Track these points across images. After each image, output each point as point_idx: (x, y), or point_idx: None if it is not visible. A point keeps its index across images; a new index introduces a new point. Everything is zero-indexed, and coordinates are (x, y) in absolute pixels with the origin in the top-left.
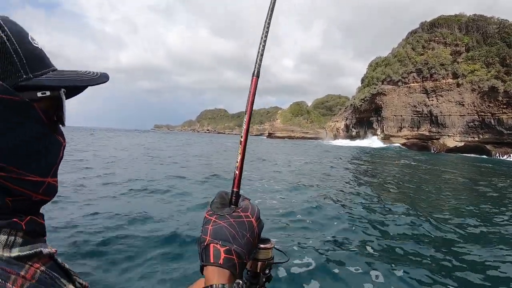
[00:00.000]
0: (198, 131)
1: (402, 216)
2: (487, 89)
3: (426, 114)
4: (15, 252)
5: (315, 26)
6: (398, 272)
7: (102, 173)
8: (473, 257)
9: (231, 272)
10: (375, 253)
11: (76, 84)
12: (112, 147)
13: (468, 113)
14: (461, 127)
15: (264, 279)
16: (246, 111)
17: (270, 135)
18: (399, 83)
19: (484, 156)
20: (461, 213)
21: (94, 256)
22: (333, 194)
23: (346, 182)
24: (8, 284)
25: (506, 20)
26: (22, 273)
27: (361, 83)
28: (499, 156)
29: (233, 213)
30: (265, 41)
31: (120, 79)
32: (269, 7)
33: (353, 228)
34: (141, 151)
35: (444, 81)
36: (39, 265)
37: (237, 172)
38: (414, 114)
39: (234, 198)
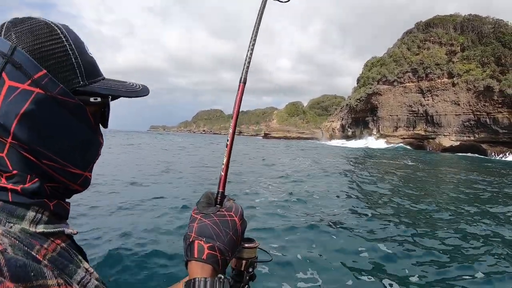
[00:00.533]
0: (194, 132)
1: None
2: (482, 89)
3: (422, 114)
4: (40, 228)
5: (312, 25)
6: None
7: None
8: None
9: (214, 267)
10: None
11: (125, 95)
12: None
13: (463, 113)
14: (457, 126)
15: (247, 277)
16: (232, 116)
17: (266, 136)
18: (395, 83)
19: (477, 155)
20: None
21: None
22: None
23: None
24: (33, 252)
25: (501, 20)
26: (45, 245)
27: (357, 83)
28: (495, 156)
29: (218, 212)
30: (252, 49)
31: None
32: (257, 16)
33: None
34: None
35: (439, 80)
36: (60, 242)
37: (222, 173)
38: (410, 113)
39: (219, 198)
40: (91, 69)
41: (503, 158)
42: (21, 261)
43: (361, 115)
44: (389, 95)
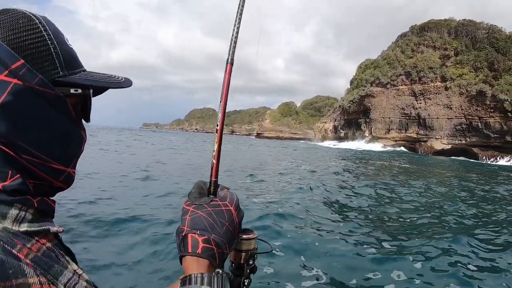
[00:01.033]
0: (186, 130)
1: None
2: (475, 93)
3: (414, 117)
4: (23, 227)
5: (308, 26)
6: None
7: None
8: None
9: (210, 261)
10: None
11: (106, 85)
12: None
13: (455, 116)
14: (449, 130)
15: (248, 270)
16: (220, 100)
17: (258, 135)
18: (388, 86)
19: (467, 159)
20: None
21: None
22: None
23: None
24: (14, 250)
25: (495, 25)
26: (28, 245)
27: (350, 85)
28: (486, 160)
29: (211, 202)
30: (238, 27)
31: None
32: None
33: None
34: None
35: (432, 84)
36: (45, 241)
37: (214, 161)
38: (402, 116)
39: (212, 188)
40: (70, 60)
41: (494, 162)
42: None
43: (354, 117)
44: (382, 97)
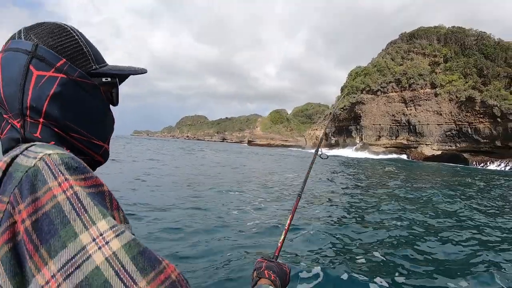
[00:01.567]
0: (177, 138)
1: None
2: (464, 99)
3: (405, 123)
4: None
5: (299, 33)
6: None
7: None
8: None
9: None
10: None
11: (130, 73)
12: None
13: (445, 122)
14: (439, 136)
15: None
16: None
17: (250, 143)
18: (378, 93)
19: (456, 164)
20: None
21: None
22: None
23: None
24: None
25: (484, 32)
26: None
27: (341, 92)
28: (476, 165)
29: (277, 261)
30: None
31: None
32: None
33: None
34: None
35: (422, 91)
36: None
37: (282, 237)
38: (393, 123)
39: (275, 256)
40: (98, 56)
41: (484, 167)
42: (72, 160)
43: (345, 124)
44: (372, 105)
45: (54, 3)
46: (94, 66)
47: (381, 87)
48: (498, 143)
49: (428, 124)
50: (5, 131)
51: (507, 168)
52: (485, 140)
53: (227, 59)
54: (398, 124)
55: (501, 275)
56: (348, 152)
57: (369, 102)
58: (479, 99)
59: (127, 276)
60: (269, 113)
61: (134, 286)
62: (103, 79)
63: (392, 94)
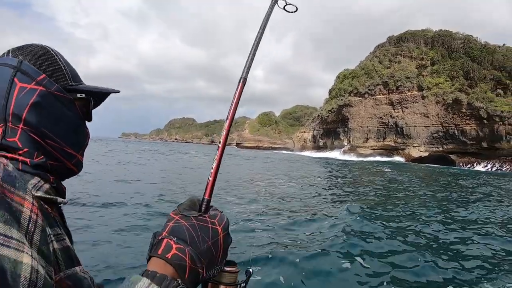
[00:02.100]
0: (166, 140)
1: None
2: (451, 101)
3: (392, 125)
4: (38, 193)
5: (287, 37)
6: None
7: None
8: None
9: (177, 271)
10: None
11: (102, 91)
12: None
13: (432, 124)
14: (426, 137)
15: None
16: (227, 118)
17: (238, 145)
18: (366, 95)
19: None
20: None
21: None
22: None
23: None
24: (26, 184)
25: (471, 35)
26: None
27: (329, 95)
28: (463, 166)
29: (199, 217)
30: (257, 46)
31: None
32: (263, 20)
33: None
34: None
35: (409, 93)
36: (51, 210)
37: (210, 178)
38: (380, 125)
39: (204, 205)
40: (75, 75)
41: (471, 168)
42: (14, 174)
43: (333, 126)
44: (360, 107)
45: (42, 4)
46: (70, 83)
47: (369, 89)
48: (484, 145)
49: (415, 126)
50: None
51: (494, 169)
52: (471, 142)
53: (215, 62)
54: (385, 126)
55: None
56: (335, 154)
57: (357, 105)
58: (466, 101)
59: None
60: (257, 115)
61: None
62: (78, 95)
63: (379, 96)
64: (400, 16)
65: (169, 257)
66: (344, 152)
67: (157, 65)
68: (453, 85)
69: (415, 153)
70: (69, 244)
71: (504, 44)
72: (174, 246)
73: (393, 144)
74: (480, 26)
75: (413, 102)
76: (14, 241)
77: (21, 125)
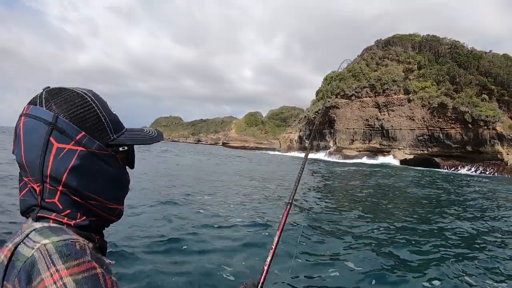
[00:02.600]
0: None
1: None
2: (436, 105)
3: (378, 128)
4: None
5: (276, 38)
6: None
7: None
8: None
9: None
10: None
11: (144, 143)
12: None
13: (418, 128)
14: (411, 140)
15: None
16: (277, 230)
17: (224, 145)
18: (353, 97)
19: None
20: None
21: None
22: None
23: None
24: (81, 250)
25: (458, 41)
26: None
27: (316, 96)
28: (448, 169)
29: None
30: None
31: (75, 80)
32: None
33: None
34: None
35: (396, 96)
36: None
37: (265, 267)
38: (366, 127)
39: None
40: (117, 125)
41: (455, 171)
42: (71, 246)
43: (319, 127)
44: (346, 109)
45: None
46: (112, 137)
47: (356, 92)
48: (469, 148)
49: (401, 129)
50: (23, 192)
51: (477, 172)
52: (456, 145)
53: (204, 61)
54: (371, 129)
55: None
56: (321, 155)
57: (343, 107)
58: (451, 106)
59: None
60: (244, 115)
61: None
62: (120, 148)
63: (366, 99)
64: (388, 21)
65: None
66: (330, 154)
67: (145, 62)
68: (439, 89)
69: (400, 155)
70: None
71: (490, 51)
72: None
73: (379, 146)
74: (468, 32)
75: (399, 105)
76: None
77: (60, 187)
